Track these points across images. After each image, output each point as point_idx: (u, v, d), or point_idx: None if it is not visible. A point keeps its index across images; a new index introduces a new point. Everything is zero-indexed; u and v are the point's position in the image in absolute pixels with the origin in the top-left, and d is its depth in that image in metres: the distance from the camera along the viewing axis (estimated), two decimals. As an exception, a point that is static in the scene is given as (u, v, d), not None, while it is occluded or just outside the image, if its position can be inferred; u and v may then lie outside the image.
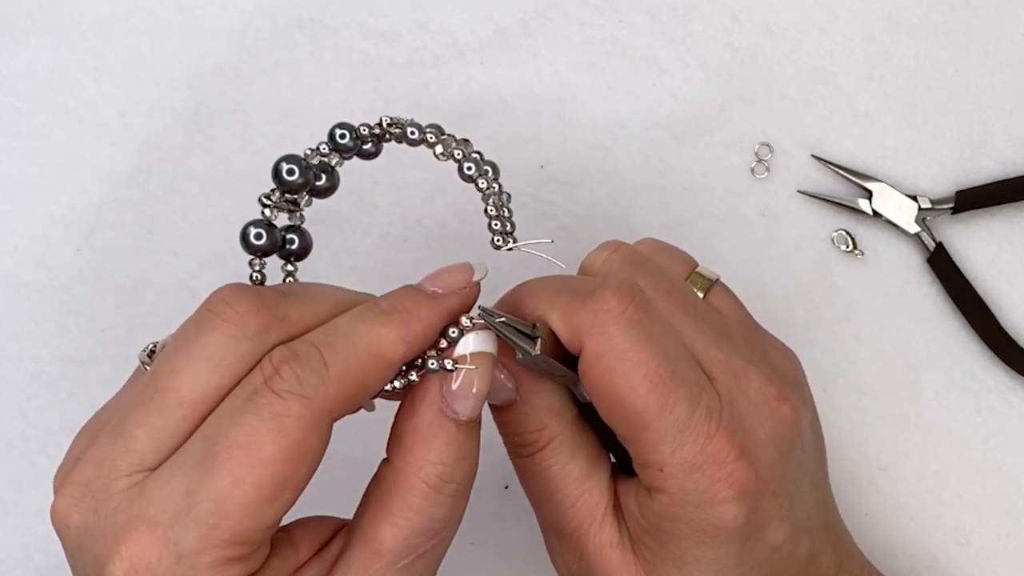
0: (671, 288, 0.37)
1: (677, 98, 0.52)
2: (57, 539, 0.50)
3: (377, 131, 0.36)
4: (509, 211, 0.35)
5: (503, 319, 0.34)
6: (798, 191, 0.52)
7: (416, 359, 0.34)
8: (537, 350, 0.34)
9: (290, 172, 0.35)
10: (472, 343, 0.34)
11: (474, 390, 0.33)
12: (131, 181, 0.52)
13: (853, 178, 0.51)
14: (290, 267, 0.36)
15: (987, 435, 0.50)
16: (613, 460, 0.38)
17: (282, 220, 0.36)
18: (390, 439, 0.34)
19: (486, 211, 0.35)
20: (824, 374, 0.50)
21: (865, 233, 0.51)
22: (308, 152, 0.35)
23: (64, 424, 0.51)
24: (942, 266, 0.50)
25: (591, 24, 0.53)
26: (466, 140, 0.36)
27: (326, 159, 0.36)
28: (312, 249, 0.36)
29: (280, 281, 0.36)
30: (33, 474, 0.50)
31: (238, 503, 0.29)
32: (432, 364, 0.33)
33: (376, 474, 0.34)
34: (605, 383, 0.34)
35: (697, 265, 0.40)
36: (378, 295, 0.35)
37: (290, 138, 0.52)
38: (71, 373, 0.51)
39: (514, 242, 0.35)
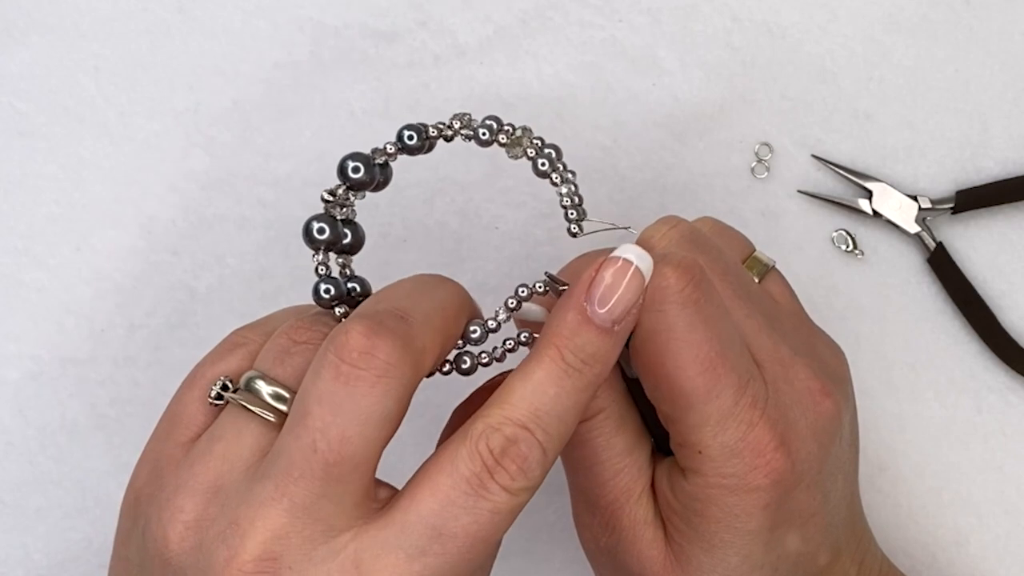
0: (727, 270, 0.36)
1: (677, 98, 0.52)
2: (56, 539, 0.50)
3: (449, 132, 0.36)
4: (580, 197, 0.35)
5: (566, 287, 0.33)
6: (798, 191, 0.52)
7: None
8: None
9: (355, 170, 0.35)
10: (631, 252, 0.33)
11: (624, 298, 0.32)
12: (131, 181, 0.52)
13: (853, 178, 0.51)
14: (343, 260, 0.36)
15: (987, 435, 0.50)
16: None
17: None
18: (540, 338, 0.33)
19: (561, 202, 0.35)
20: (824, 374, 0.50)
21: (865, 233, 0.51)
22: (375, 151, 0.36)
23: (64, 424, 0.51)
24: (942, 266, 0.50)
25: (591, 24, 0.53)
26: (527, 128, 0.36)
27: (391, 159, 0.36)
28: (364, 245, 0.37)
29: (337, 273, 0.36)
30: (33, 474, 0.50)
31: None
32: (524, 336, 0.34)
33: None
34: (656, 361, 0.34)
35: (755, 249, 0.40)
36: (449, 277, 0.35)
37: (290, 138, 0.52)
38: (70, 373, 0.51)
39: (583, 228, 0.35)
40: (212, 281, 0.52)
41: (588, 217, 0.35)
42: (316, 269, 0.35)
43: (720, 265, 0.36)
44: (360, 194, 0.36)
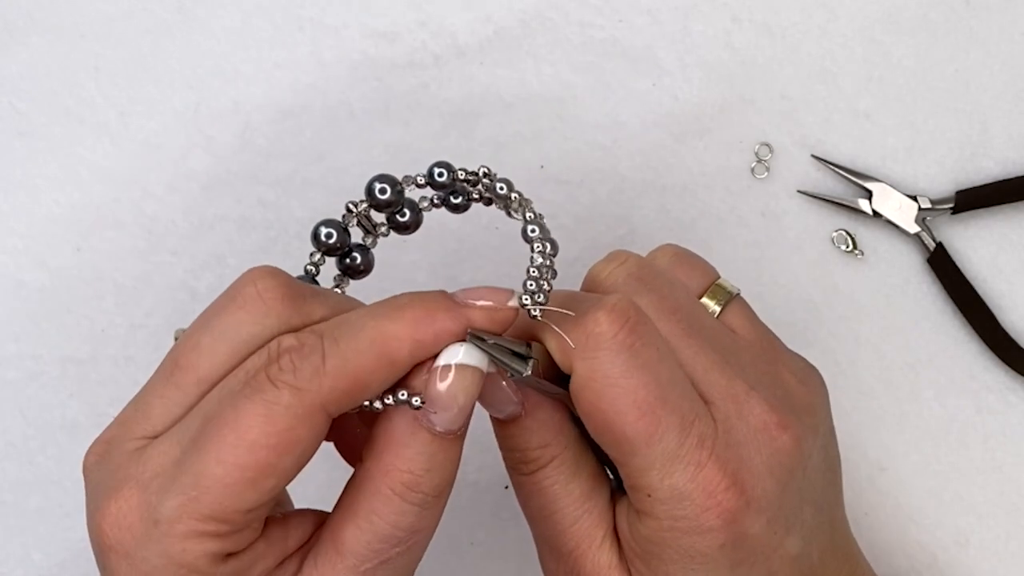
0: (676, 307, 0.36)
1: (677, 98, 0.52)
2: (56, 539, 0.50)
3: (471, 178, 0.36)
4: (549, 282, 0.34)
5: (494, 341, 0.33)
6: (798, 191, 0.52)
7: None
8: (528, 371, 0.33)
9: (382, 191, 0.35)
10: (462, 354, 0.32)
11: (459, 402, 0.32)
12: (131, 181, 0.52)
13: (853, 178, 0.51)
14: (339, 280, 0.36)
15: (987, 435, 0.50)
16: (611, 478, 0.38)
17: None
18: (368, 444, 0.33)
19: (528, 271, 0.34)
20: (824, 374, 0.50)
21: (865, 233, 0.51)
22: (405, 177, 0.36)
23: (64, 424, 0.51)
24: (942, 266, 0.50)
25: (591, 24, 0.53)
26: (531, 202, 0.36)
27: (419, 190, 0.36)
28: (371, 273, 0.37)
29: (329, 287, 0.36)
30: (33, 474, 0.50)
31: (218, 481, 0.29)
32: (402, 395, 0.32)
33: (351, 477, 0.34)
34: (594, 407, 0.33)
35: (718, 277, 0.39)
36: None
37: (290, 138, 0.52)
38: (71, 373, 0.51)
39: (540, 306, 0.34)
40: (212, 281, 0.51)
41: (545, 300, 0.34)
42: (305, 267, 0.35)
43: (669, 302, 0.36)
44: (384, 227, 0.36)
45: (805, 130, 0.52)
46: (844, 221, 0.51)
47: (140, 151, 0.53)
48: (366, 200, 0.35)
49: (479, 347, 0.32)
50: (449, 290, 0.34)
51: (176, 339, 0.34)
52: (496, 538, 0.50)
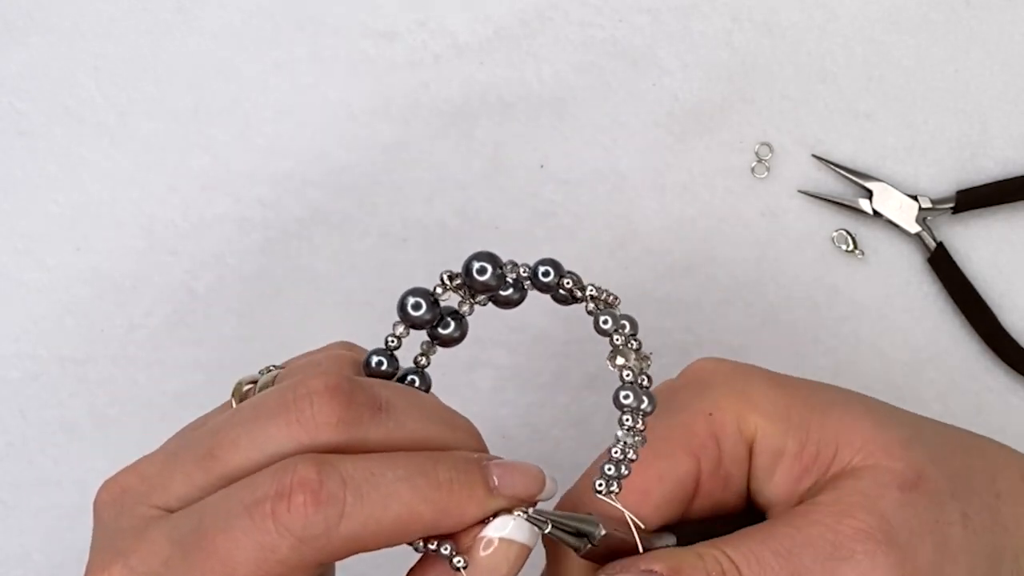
0: None
1: (677, 98, 0.52)
2: (56, 539, 0.50)
3: (578, 294, 0.32)
4: (630, 463, 0.31)
5: (550, 528, 0.30)
6: (798, 191, 0.52)
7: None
8: (592, 543, 0.31)
9: (481, 271, 0.31)
10: (510, 529, 0.30)
11: (500, 573, 0.30)
12: (131, 181, 0.52)
13: (853, 178, 0.51)
14: (426, 348, 0.33)
15: (987, 435, 0.50)
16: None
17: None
18: None
19: (611, 449, 0.31)
20: (824, 374, 0.50)
21: (865, 233, 0.51)
22: (512, 264, 0.32)
23: (64, 424, 0.51)
24: (942, 266, 0.50)
25: (591, 24, 0.53)
26: (647, 357, 0.32)
27: (522, 277, 0.32)
28: (463, 342, 0.33)
29: (412, 360, 0.33)
30: (32, 474, 0.50)
31: None
32: (445, 549, 0.30)
33: None
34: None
35: None
36: (472, 429, 0.33)
37: (290, 138, 0.52)
38: (70, 373, 0.51)
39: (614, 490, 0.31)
40: (212, 281, 0.51)
41: (616, 490, 0.31)
42: (386, 338, 0.32)
43: None
44: (480, 299, 0.32)
45: (805, 130, 0.52)
46: (844, 221, 0.51)
47: (140, 151, 0.53)
48: (462, 277, 0.32)
49: (533, 523, 0.31)
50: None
51: (234, 394, 0.33)
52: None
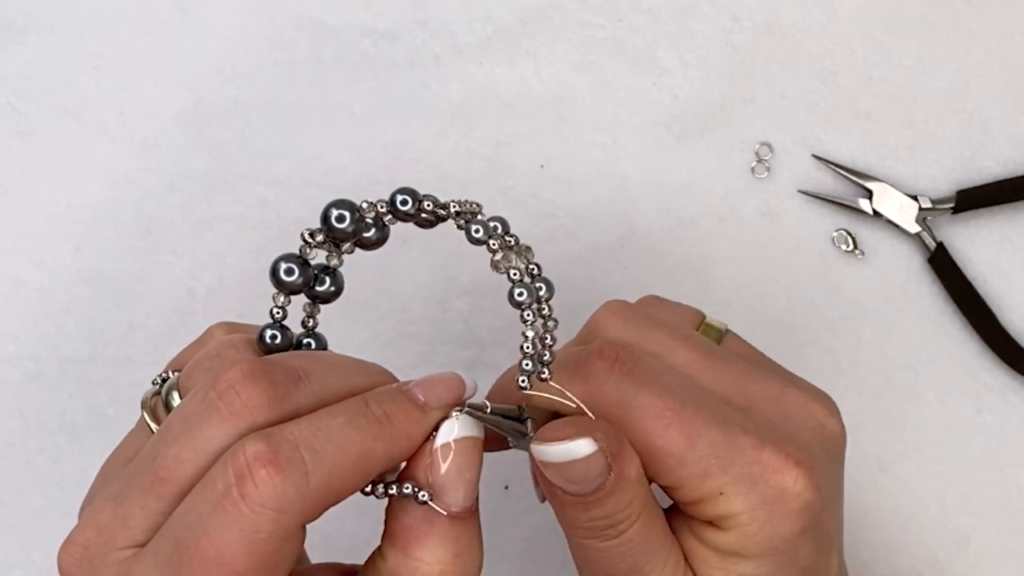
0: (687, 336, 0.36)
1: (677, 98, 0.52)
2: (56, 539, 0.50)
3: (442, 213, 0.32)
4: (550, 350, 0.31)
5: (489, 410, 0.32)
6: (798, 191, 0.52)
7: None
8: (531, 431, 0.32)
9: (340, 219, 0.32)
10: (457, 428, 0.31)
11: (466, 477, 0.31)
12: (130, 181, 0.52)
13: (853, 178, 0.51)
14: (310, 309, 0.34)
15: (987, 435, 0.50)
16: None
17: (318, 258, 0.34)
18: (384, 533, 0.32)
19: (522, 346, 0.31)
20: (824, 374, 0.50)
21: (866, 233, 0.51)
22: (365, 204, 0.32)
23: (63, 424, 0.51)
24: (942, 266, 0.50)
25: (591, 24, 0.53)
26: (528, 248, 0.32)
27: (381, 217, 0.32)
28: (341, 295, 0.34)
29: (299, 323, 0.34)
30: (32, 475, 0.50)
31: None
32: (406, 489, 0.31)
33: (372, 564, 0.32)
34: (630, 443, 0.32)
35: (705, 316, 0.39)
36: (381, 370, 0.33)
37: (290, 138, 0.52)
38: (70, 373, 0.51)
39: (531, 382, 0.32)
40: (212, 281, 0.51)
41: (546, 375, 0.32)
42: (272, 311, 0.32)
43: (680, 332, 0.36)
44: (346, 246, 0.33)
45: (805, 130, 0.52)
46: (844, 221, 0.51)
47: (140, 151, 0.53)
48: (323, 229, 0.32)
49: (480, 418, 0.31)
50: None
51: (144, 407, 0.33)
52: (496, 538, 0.50)
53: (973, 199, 0.50)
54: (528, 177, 0.52)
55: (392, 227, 0.34)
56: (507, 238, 0.32)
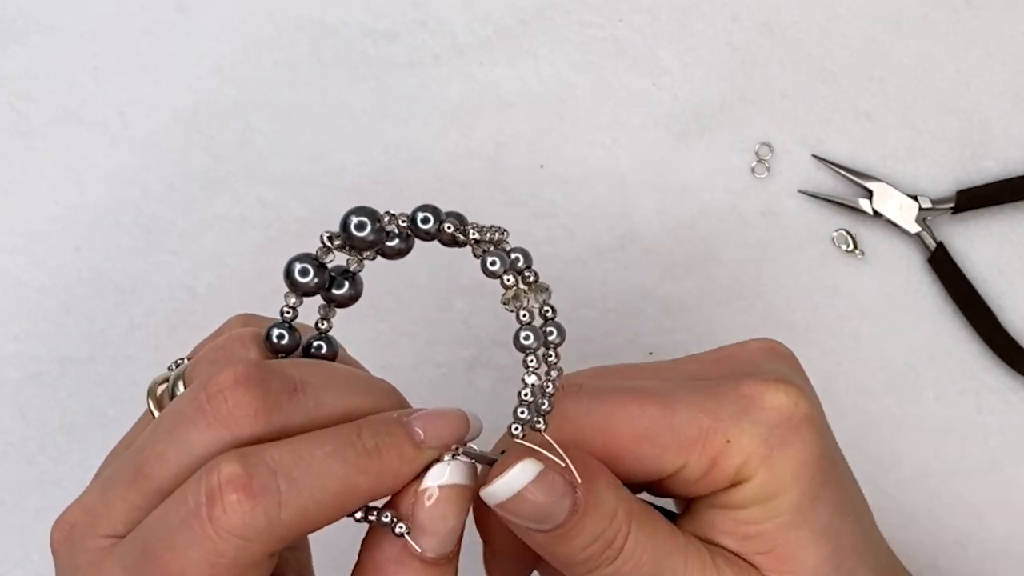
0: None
1: (677, 98, 0.52)
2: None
3: (460, 238, 0.31)
4: (549, 398, 0.30)
5: (476, 453, 0.30)
6: (798, 191, 0.52)
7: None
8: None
9: (360, 226, 0.30)
10: (448, 474, 0.30)
11: (447, 526, 0.29)
12: (131, 181, 0.52)
13: (853, 178, 0.51)
14: (324, 312, 0.32)
15: (987, 435, 0.50)
16: None
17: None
18: (356, 563, 0.31)
19: (520, 393, 0.30)
20: (824, 374, 0.50)
21: (866, 233, 0.51)
22: (387, 216, 0.31)
23: (63, 424, 0.51)
24: (943, 266, 0.50)
25: (591, 24, 0.53)
26: (546, 288, 0.30)
27: (403, 227, 0.31)
28: (359, 300, 0.32)
29: (313, 324, 0.33)
30: (32, 475, 0.50)
31: None
32: (385, 518, 0.29)
33: None
34: (601, 446, 0.31)
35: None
36: (390, 387, 0.32)
37: (290, 138, 0.52)
38: (70, 373, 0.51)
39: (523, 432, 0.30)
40: (212, 281, 0.51)
41: (541, 425, 0.30)
42: (281, 310, 0.31)
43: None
44: (367, 254, 0.31)
45: (805, 130, 0.52)
46: (844, 221, 0.51)
47: (140, 151, 0.53)
48: (341, 236, 0.30)
49: (467, 462, 0.30)
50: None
51: (149, 395, 0.33)
52: None
53: (973, 199, 0.50)
54: (528, 177, 0.52)
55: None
56: (525, 274, 0.30)
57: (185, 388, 0.32)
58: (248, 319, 0.35)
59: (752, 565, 0.32)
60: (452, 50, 0.53)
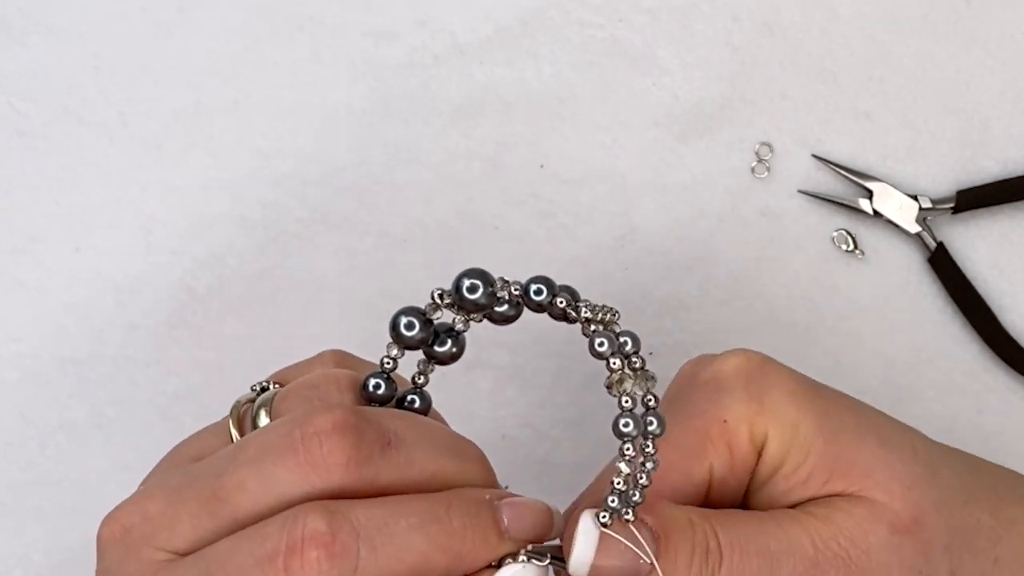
0: None
1: (677, 98, 0.52)
2: (56, 539, 0.50)
3: (572, 314, 0.30)
4: (643, 490, 0.29)
5: (550, 550, 0.30)
6: (798, 191, 0.52)
7: None
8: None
9: (472, 289, 0.30)
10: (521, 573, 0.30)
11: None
12: (131, 181, 0.52)
13: (853, 178, 0.51)
14: (423, 367, 0.32)
15: (987, 435, 0.50)
16: None
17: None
18: None
19: (612, 481, 0.29)
20: (824, 374, 0.50)
21: (866, 233, 0.51)
22: (500, 281, 0.30)
23: (63, 424, 0.51)
24: (943, 266, 0.50)
25: (591, 24, 0.53)
26: (652, 376, 0.30)
27: (514, 296, 0.30)
28: (461, 358, 0.32)
29: (410, 378, 0.32)
30: (32, 475, 0.50)
31: None
32: None
33: None
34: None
35: None
36: (474, 450, 0.32)
37: (290, 138, 0.52)
38: (70, 373, 0.51)
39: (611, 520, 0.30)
40: (212, 281, 0.51)
41: (630, 516, 0.30)
42: (382, 360, 0.31)
43: None
44: (475, 316, 0.31)
45: (805, 130, 0.52)
46: (844, 221, 0.51)
47: (140, 151, 0.53)
48: (453, 296, 0.30)
49: (542, 565, 0.30)
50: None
51: (232, 414, 0.32)
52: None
53: (973, 199, 0.50)
54: (528, 177, 0.52)
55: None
56: (632, 359, 0.29)
57: (271, 419, 0.31)
58: (342, 358, 0.34)
59: (830, 498, 0.33)
60: (452, 50, 0.53)
